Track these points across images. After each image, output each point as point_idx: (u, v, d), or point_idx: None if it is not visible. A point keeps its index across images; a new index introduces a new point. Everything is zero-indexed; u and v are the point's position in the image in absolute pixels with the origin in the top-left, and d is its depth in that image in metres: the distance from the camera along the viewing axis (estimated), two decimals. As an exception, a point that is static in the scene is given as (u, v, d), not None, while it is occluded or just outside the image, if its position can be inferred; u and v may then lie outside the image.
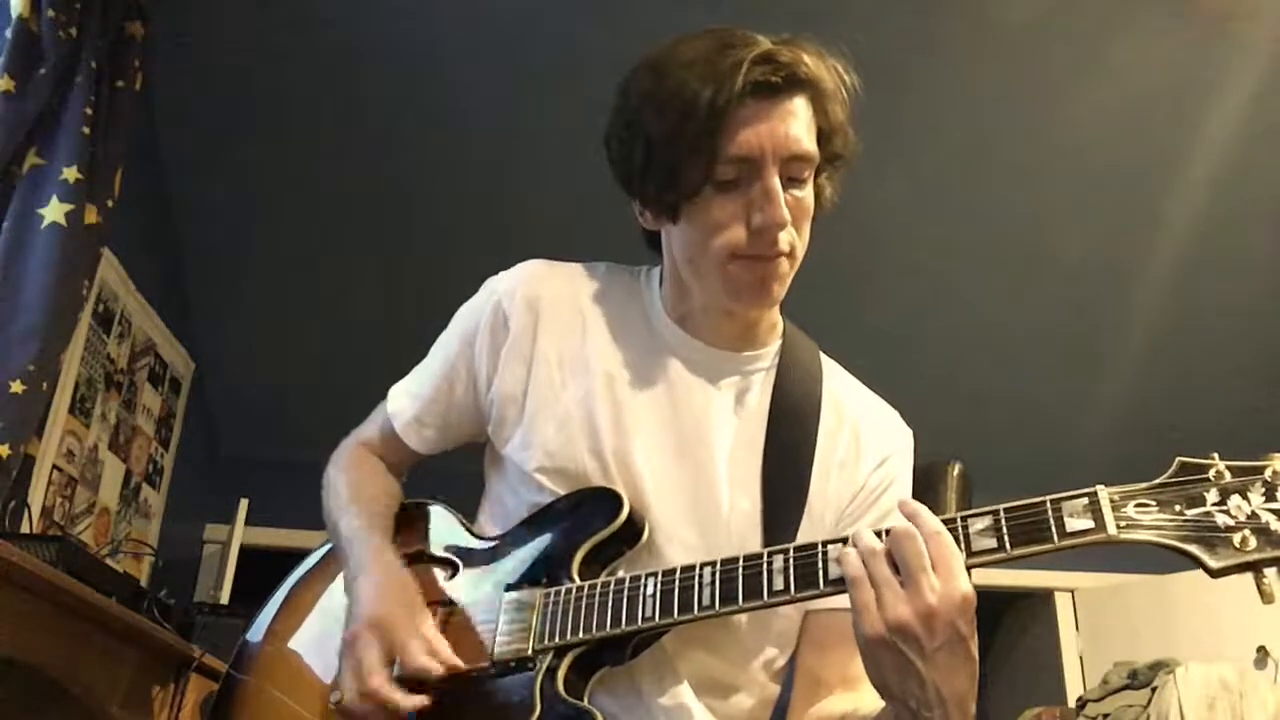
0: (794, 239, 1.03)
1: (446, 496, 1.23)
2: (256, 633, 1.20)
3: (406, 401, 1.21)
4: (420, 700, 0.96)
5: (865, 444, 1.12)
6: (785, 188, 1.01)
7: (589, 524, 1.03)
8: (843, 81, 1.05)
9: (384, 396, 1.28)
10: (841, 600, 1.04)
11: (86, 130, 2.47)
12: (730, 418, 1.11)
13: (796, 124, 1.01)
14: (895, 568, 0.83)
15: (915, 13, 2.87)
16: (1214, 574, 0.78)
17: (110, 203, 2.57)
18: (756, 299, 1.07)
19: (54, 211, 2.40)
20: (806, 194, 1.04)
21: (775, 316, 1.17)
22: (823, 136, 1.04)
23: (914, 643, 0.81)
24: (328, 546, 1.22)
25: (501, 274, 1.19)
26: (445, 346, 1.20)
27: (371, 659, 0.98)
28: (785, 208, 1.00)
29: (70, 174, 2.43)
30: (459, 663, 0.99)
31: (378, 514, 1.15)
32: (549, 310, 1.14)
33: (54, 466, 2.80)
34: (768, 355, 1.15)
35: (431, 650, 0.98)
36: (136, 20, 2.69)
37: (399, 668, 0.98)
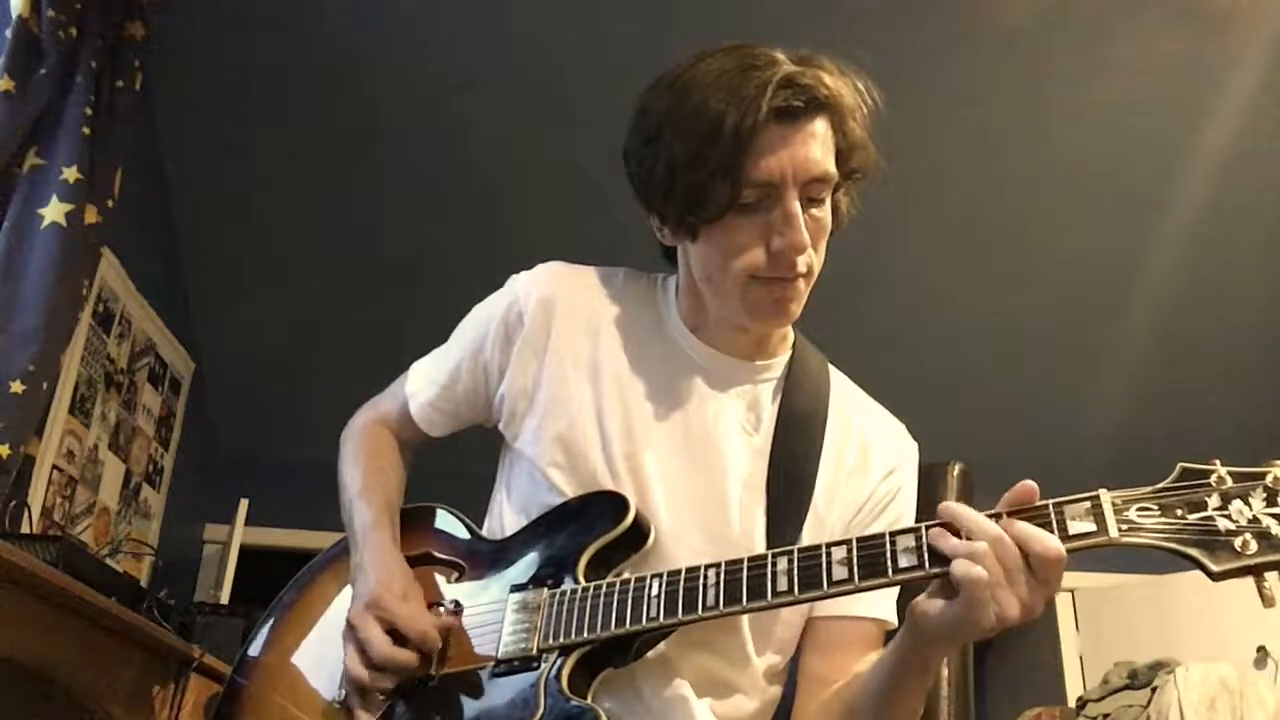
0: (812, 259, 1.04)
1: (447, 494, 1.24)
2: (260, 636, 1.21)
3: (424, 384, 1.24)
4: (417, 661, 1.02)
5: (873, 454, 1.14)
6: (804, 208, 1.02)
7: (595, 527, 1.04)
8: (862, 98, 1.05)
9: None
10: (848, 608, 1.07)
11: (86, 130, 2.47)
12: (740, 426, 1.12)
13: (816, 146, 1.01)
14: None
15: (913, 13, 2.87)
16: (1215, 577, 0.79)
17: (110, 203, 2.57)
18: (774, 319, 1.09)
19: (54, 211, 2.40)
20: (824, 213, 1.05)
21: (787, 328, 1.18)
22: (841, 155, 1.04)
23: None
24: (332, 551, 1.24)
25: (522, 273, 1.20)
26: (461, 338, 1.22)
27: (374, 633, 1.02)
28: (805, 231, 1.01)
29: (70, 174, 2.43)
30: (455, 621, 1.05)
31: (387, 505, 1.18)
32: (563, 311, 1.15)
33: (54, 466, 2.80)
34: (778, 365, 1.16)
35: (427, 620, 1.03)
36: (136, 20, 2.69)
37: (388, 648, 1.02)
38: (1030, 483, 0.86)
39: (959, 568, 0.83)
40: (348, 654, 1.04)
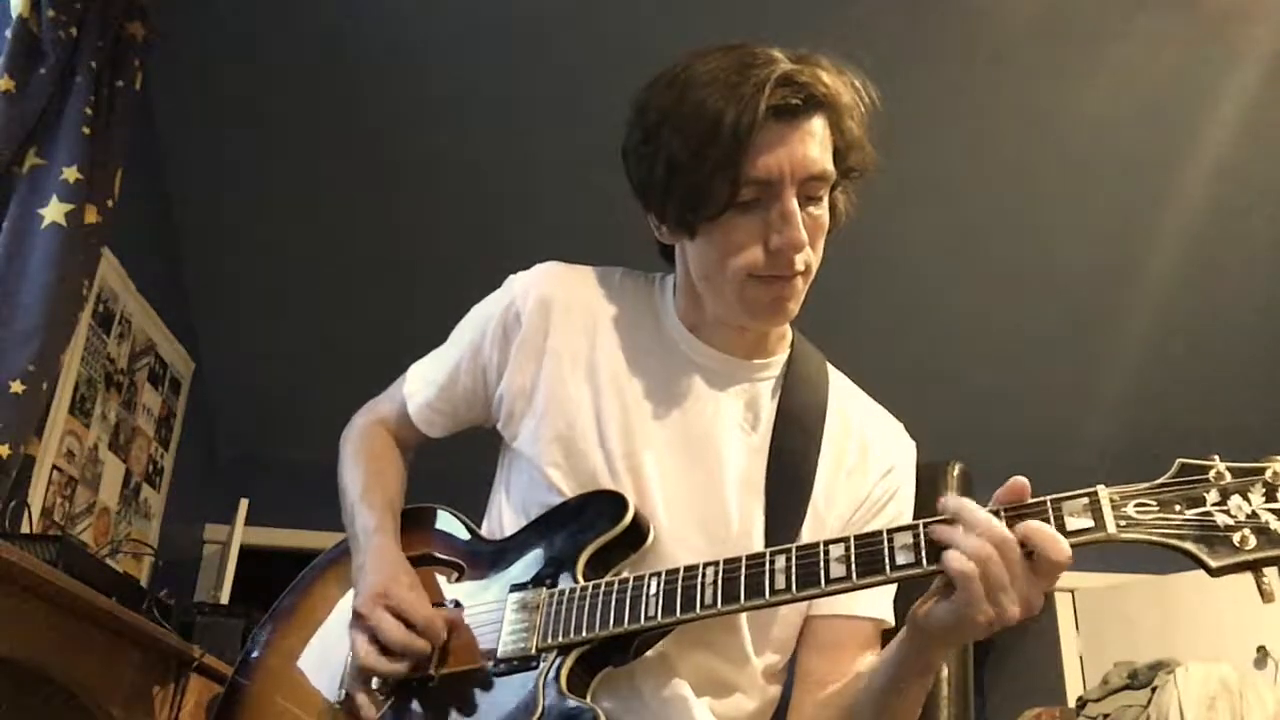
0: (809, 258, 1.04)
1: (447, 494, 1.24)
2: (261, 637, 1.21)
3: (421, 385, 1.24)
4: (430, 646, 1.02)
5: (872, 453, 1.14)
6: (802, 206, 1.02)
7: (594, 526, 1.04)
8: (860, 97, 1.05)
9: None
10: (845, 607, 1.07)
11: (86, 130, 2.47)
12: (739, 424, 1.12)
13: (814, 144, 1.01)
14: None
15: (913, 15, 2.87)
16: (1213, 573, 0.78)
17: (110, 203, 2.57)
18: (772, 317, 1.09)
19: (54, 211, 2.40)
20: (822, 211, 1.05)
21: (785, 326, 1.18)
22: (838, 153, 1.04)
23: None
24: (332, 553, 1.24)
25: (520, 273, 1.21)
26: (459, 339, 1.22)
27: (384, 619, 1.01)
28: (803, 229, 1.01)
29: (70, 174, 2.43)
30: (458, 613, 1.05)
31: (388, 507, 1.17)
32: (561, 310, 1.15)
33: (54, 466, 2.80)
34: (777, 364, 1.16)
35: (431, 609, 1.03)
36: (136, 20, 2.68)
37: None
38: (1021, 479, 0.85)
39: (955, 562, 0.82)
40: (357, 643, 1.03)
